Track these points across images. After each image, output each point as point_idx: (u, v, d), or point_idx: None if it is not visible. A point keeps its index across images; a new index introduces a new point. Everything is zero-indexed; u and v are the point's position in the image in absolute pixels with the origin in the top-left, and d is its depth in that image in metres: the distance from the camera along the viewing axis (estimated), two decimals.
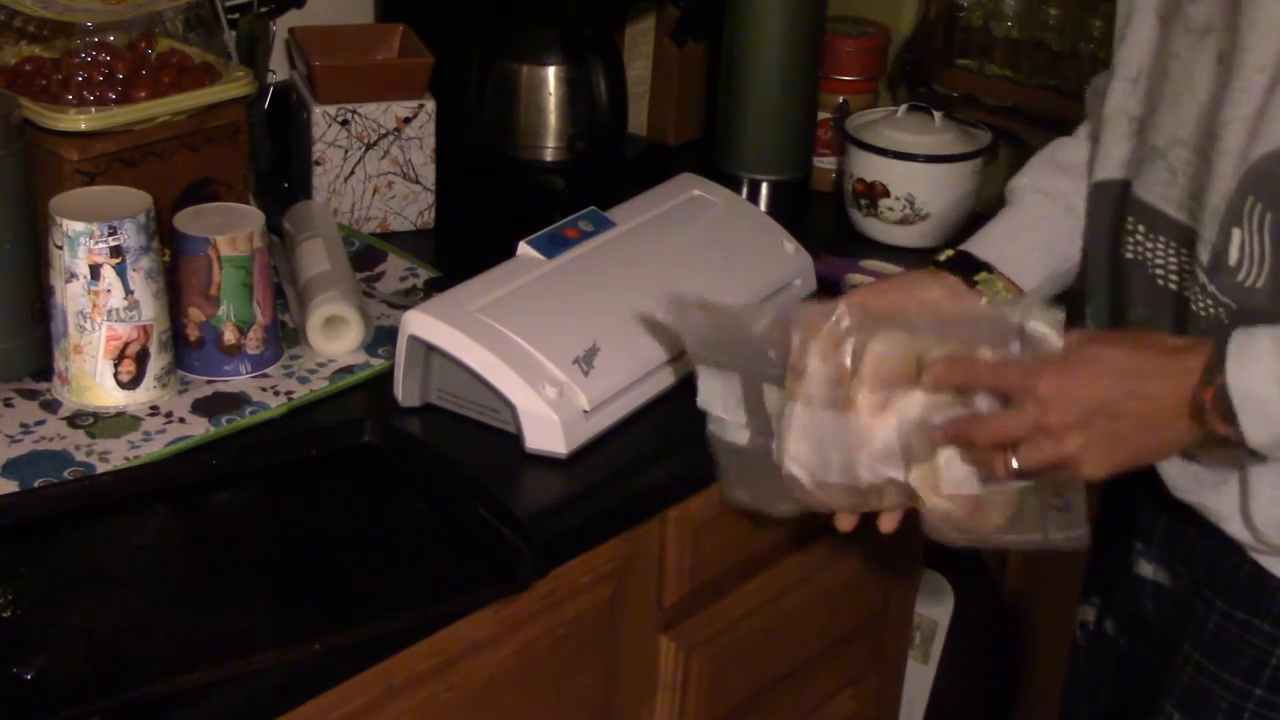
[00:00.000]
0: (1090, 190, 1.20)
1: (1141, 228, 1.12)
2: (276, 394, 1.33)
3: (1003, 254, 1.23)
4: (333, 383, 1.36)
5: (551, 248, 1.40)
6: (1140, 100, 1.14)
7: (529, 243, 1.40)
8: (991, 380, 1.04)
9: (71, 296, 1.26)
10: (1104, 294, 1.18)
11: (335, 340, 1.39)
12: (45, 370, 1.31)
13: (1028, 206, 1.26)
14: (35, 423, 1.27)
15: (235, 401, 1.32)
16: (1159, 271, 1.12)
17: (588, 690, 1.35)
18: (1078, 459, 1.02)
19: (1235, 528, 1.12)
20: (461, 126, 1.76)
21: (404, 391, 1.32)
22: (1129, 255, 1.14)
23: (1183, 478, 1.14)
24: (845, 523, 1.17)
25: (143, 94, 1.38)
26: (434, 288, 1.51)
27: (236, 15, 1.64)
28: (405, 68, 1.66)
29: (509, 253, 1.40)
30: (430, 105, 1.64)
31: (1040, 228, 1.25)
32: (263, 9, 1.67)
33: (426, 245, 1.65)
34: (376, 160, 1.64)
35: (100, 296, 1.25)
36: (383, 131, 1.63)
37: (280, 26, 1.72)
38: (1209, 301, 1.06)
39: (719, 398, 1.19)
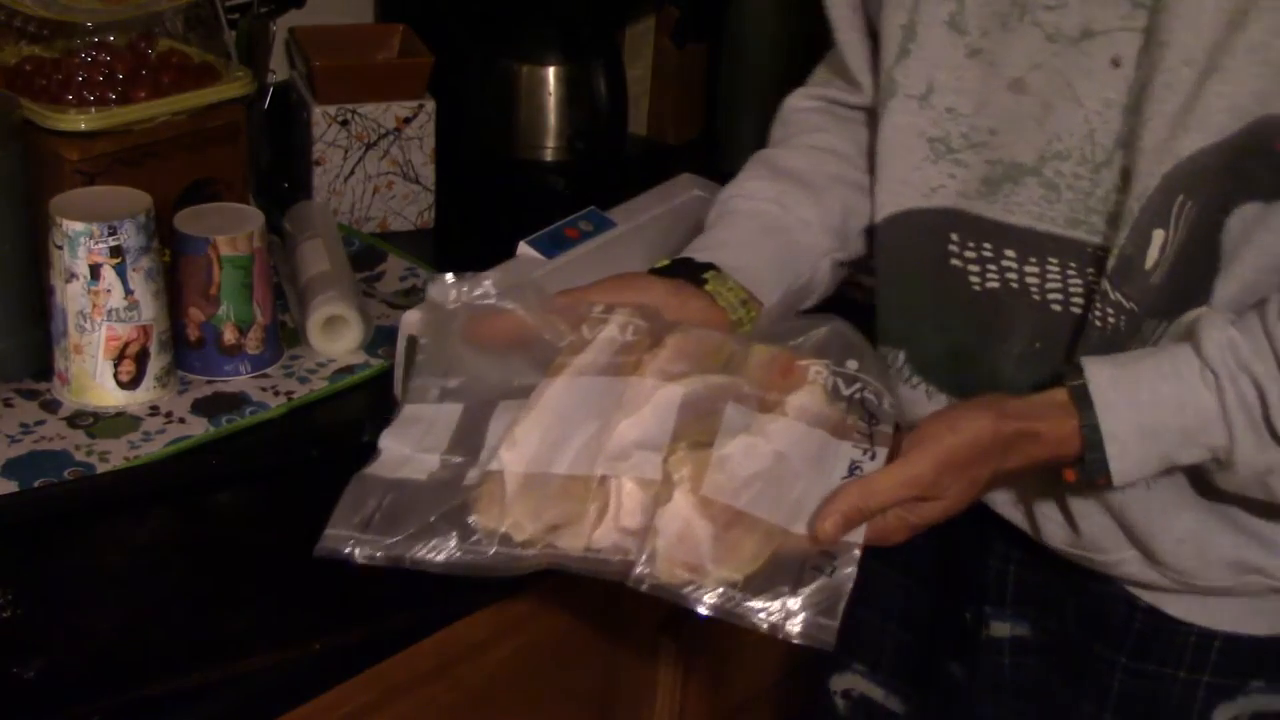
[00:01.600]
0: (885, 224, 1.09)
1: (1010, 253, 1.03)
2: (276, 394, 1.33)
3: (738, 262, 1.07)
4: (333, 383, 1.36)
5: (551, 248, 1.40)
6: (939, 119, 1.04)
7: (529, 243, 1.40)
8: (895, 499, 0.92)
9: (71, 296, 1.26)
10: (929, 332, 1.10)
11: (335, 340, 1.39)
12: (45, 370, 1.31)
13: (761, 215, 1.12)
14: (35, 423, 1.27)
15: (235, 401, 1.32)
16: (1052, 297, 1.03)
17: (588, 690, 1.35)
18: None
19: (1133, 570, 1.08)
20: (461, 126, 1.76)
21: (404, 391, 1.32)
22: (992, 285, 1.05)
23: (1060, 534, 1.09)
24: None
25: (143, 94, 1.38)
26: None
27: (236, 15, 1.64)
28: (405, 68, 1.66)
29: (509, 253, 1.40)
30: (430, 105, 1.64)
31: (775, 238, 1.10)
32: (263, 9, 1.67)
33: (426, 245, 1.65)
34: (376, 160, 1.64)
35: (100, 296, 1.25)
36: (383, 131, 1.63)
37: (280, 26, 1.72)
38: (1110, 310, 0.99)
39: (417, 434, 0.98)
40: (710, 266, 1.06)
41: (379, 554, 0.91)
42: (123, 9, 1.43)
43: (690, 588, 0.87)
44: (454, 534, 0.90)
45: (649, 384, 0.93)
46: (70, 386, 1.29)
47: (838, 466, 0.93)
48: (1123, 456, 0.94)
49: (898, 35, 1.05)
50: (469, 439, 0.96)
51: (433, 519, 0.91)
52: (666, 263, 1.07)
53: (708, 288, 1.04)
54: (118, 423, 1.27)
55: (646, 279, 1.04)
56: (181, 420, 1.29)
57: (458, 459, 0.95)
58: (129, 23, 1.44)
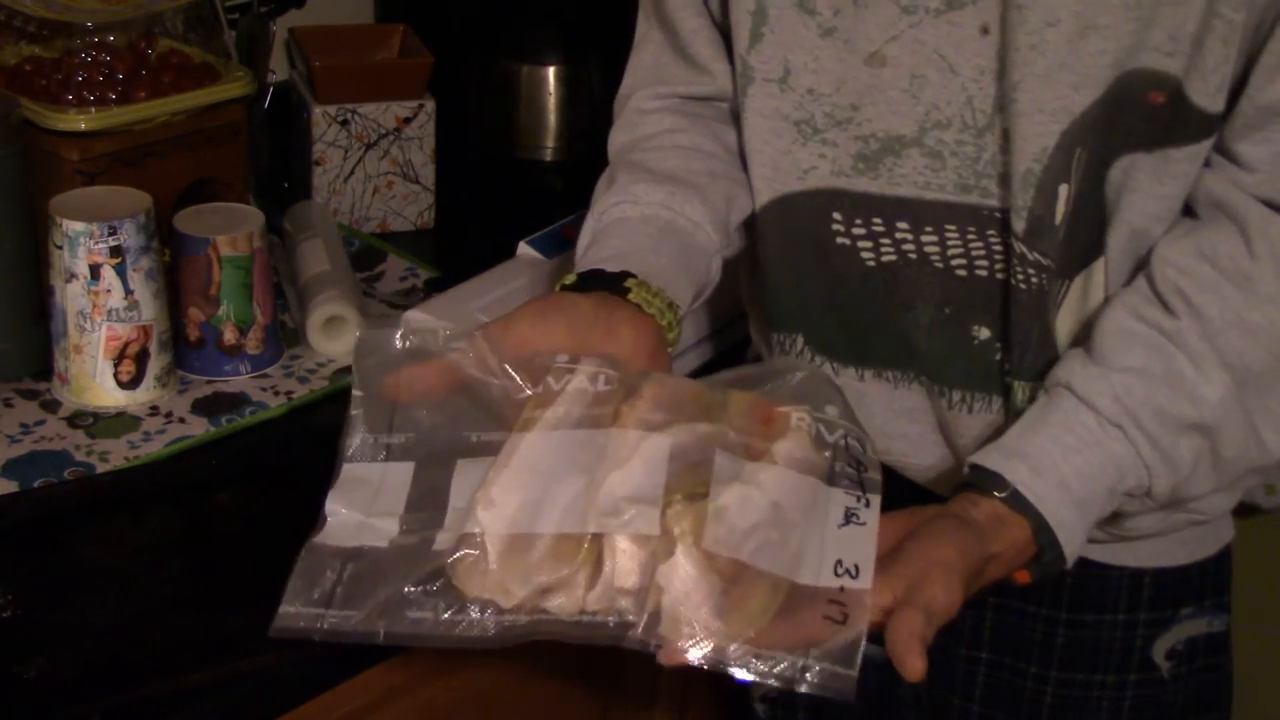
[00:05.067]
0: (763, 211, 1.09)
1: (903, 225, 1.03)
2: (276, 394, 1.33)
3: (648, 268, 1.02)
4: (333, 383, 1.36)
5: (551, 248, 1.40)
6: (801, 101, 1.04)
7: (529, 243, 1.40)
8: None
9: (71, 296, 1.26)
10: (824, 312, 1.10)
11: (335, 340, 1.39)
12: (45, 370, 1.31)
13: (653, 220, 1.07)
14: (35, 423, 1.27)
15: (235, 401, 1.32)
16: (956, 263, 1.03)
17: (588, 692, 1.35)
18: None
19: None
20: (461, 126, 1.76)
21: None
22: (888, 259, 1.05)
23: None
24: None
25: (143, 94, 1.38)
26: (434, 288, 1.51)
27: (236, 15, 1.64)
28: (405, 68, 1.66)
29: (509, 253, 1.40)
30: (430, 105, 1.64)
31: (673, 241, 1.07)
32: (263, 9, 1.67)
33: (426, 245, 1.65)
34: (376, 160, 1.64)
35: (100, 296, 1.25)
36: (383, 131, 1.63)
37: (280, 26, 1.72)
38: (1030, 271, 1.00)
39: (366, 497, 0.91)
40: (627, 274, 1.00)
41: (346, 630, 0.84)
42: (123, 9, 1.43)
43: (700, 646, 0.83)
44: (431, 604, 0.84)
45: (633, 435, 0.88)
46: (70, 386, 1.29)
47: (833, 514, 0.90)
48: (1071, 540, 0.95)
49: (748, 20, 1.04)
50: (428, 501, 0.90)
51: (406, 590, 0.84)
52: (573, 278, 1.01)
53: (632, 297, 0.99)
54: (118, 423, 1.27)
55: (568, 298, 0.98)
56: (181, 420, 1.29)
57: (420, 523, 0.89)
58: (129, 23, 1.44)
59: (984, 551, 0.91)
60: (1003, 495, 0.94)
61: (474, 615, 0.84)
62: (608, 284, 1.00)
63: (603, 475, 0.87)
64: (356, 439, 0.93)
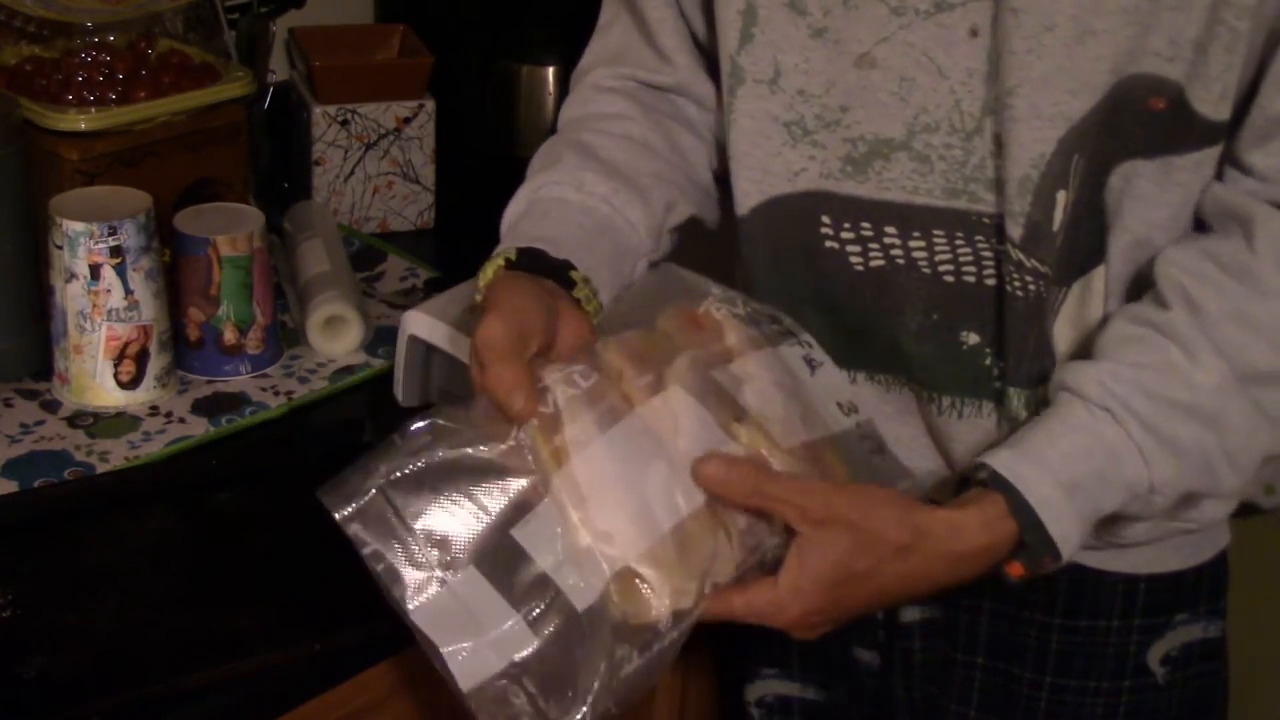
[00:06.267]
0: (752, 215, 1.07)
1: (891, 229, 1.02)
2: (276, 394, 1.33)
3: (581, 264, 1.02)
4: (333, 383, 1.36)
5: None
6: (791, 102, 1.03)
7: None
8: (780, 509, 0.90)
9: (71, 296, 1.26)
10: (814, 315, 1.07)
11: (335, 340, 1.39)
12: (45, 370, 1.31)
13: (592, 212, 1.06)
14: (35, 423, 1.27)
15: (235, 401, 1.32)
16: (944, 268, 1.02)
17: None
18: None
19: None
20: (461, 126, 1.76)
21: (404, 391, 1.32)
22: (876, 263, 1.04)
23: None
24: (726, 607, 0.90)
25: (143, 94, 1.38)
26: (434, 288, 1.51)
27: (236, 15, 1.64)
28: (405, 68, 1.66)
29: None
30: (430, 105, 1.64)
31: (606, 240, 1.05)
32: (263, 9, 1.67)
33: (426, 245, 1.65)
34: (376, 160, 1.64)
35: (100, 296, 1.25)
36: (383, 131, 1.63)
37: (280, 26, 1.72)
38: (1028, 278, 0.99)
39: (463, 623, 0.85)
40: (570, 266, 1.00)
41: None
42: (123, 9, 1.43)
43: None
44: (634, 650, 0.85)
45: (656, 402, 0.90)
46: (70, 386, 1.29)
47: (799, 369, 0.97)
48: (1059, 520, 0.94)
49: (737, 21, 1.04)
50: (521, 583, 0.85)
51: (605, 659, 0.84)
52: (513, 255, 1.00)
53: (575, 291, 0.99)
54: (118, 423, 1.28)
55: (530, 279, 0.98)
56: (181, 420, 1.29)
57: (539, 603, 0.85)
58: (129, 23, 1.44)
59: (912, 521, 0.92)
60: (982, 476, 0.95)
61: (673, 633, 0.85)
62: (552, 272, 1.00)
63: (674, 449, 0.89)
64: (408, 586, 0.86)
